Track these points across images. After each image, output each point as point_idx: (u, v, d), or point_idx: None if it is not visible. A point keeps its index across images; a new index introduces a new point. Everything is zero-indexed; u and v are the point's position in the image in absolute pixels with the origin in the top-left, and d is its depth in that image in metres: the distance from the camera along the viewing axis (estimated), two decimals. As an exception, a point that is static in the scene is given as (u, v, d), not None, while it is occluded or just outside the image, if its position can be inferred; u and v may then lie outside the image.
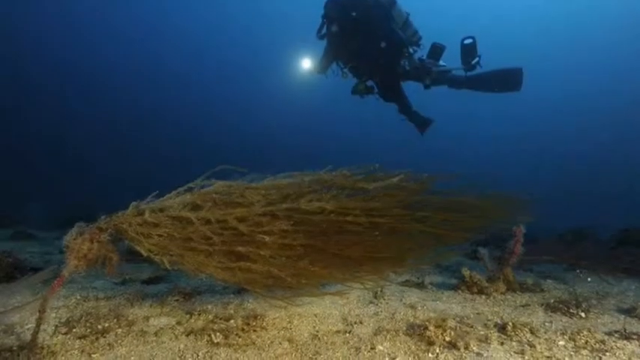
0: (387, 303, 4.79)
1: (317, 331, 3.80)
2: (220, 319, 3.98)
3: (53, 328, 3.70)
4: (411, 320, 4.13)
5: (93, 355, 3.24)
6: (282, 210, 3.62)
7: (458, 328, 3.85)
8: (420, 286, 5.78)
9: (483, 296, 5.26)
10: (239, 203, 3.67)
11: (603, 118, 60.02)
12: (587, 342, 3.58)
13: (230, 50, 69.49)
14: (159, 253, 3.59)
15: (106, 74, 61.34)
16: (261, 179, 3.77)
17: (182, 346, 3.44)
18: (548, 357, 3.29)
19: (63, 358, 3.20)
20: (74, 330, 3.65)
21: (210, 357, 3.24)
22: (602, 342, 3.59)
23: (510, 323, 3.89)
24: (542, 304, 4.84)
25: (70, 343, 3.45)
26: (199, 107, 68.23)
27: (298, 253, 3.69)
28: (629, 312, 4.60)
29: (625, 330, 3.85)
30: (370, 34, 9.89)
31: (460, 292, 5.44)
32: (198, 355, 3.27)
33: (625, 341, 3.64)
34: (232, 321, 3.91)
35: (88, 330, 3.66)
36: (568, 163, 56.68)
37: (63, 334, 3.60)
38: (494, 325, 4.02)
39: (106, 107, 60.52)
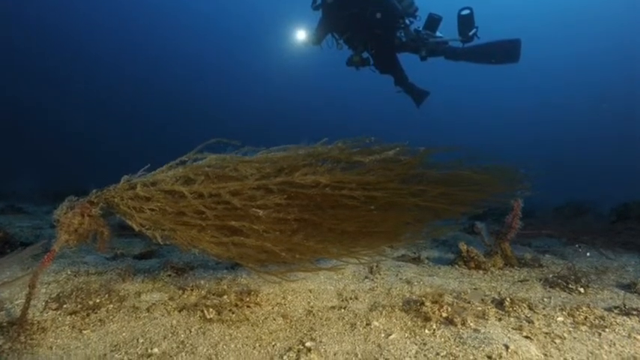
0: (383, 278, 4.74)
1: (312, 307, 3.75)
2: (213, 294, 3.93)
3: (43, 303, 3.63)
4: (407, 296, 4.08)
5: (84, 332, 3.18)
6: (276, 184, 3.54)
7: (455, 303, 3.80)
8: (417, 261, 5.73)
9: (481, 271, 5.21)
10: (232, 177, 3.59)
11: (603, 89, 59.98)
12: (586, 318, 3.53)
13: (225, 22, 69.06)
14: (151, 228, 3.52)
15: (99, 46, 60.96)
16: (255, 152, 3.70)
17: (174, 322, 3.38)
18: (546, 333, 3.23)
19: (53, 334, 3.14)
20: (65, 306, 3.59)
21: (203, 333, 3.19)
22: (602, 318, 3.54)
23: (508, 299, 3.85)
24: (540, 280, 4.80)
25: (60, 319, 3.39)
26: (194, 81, 67.98)
27: (292, 227, 3.63)
28: (628, 287, 4.56)
29: (625, 306, 3.80)
30: (366, 5, 9.79)
31: (457, 267, 5.40)
32: (190, 331, 3.21)
33: (625, 317, 3.59)
34: (225, 297, 3.85)
35: (79, 306, 3.60)
36: (567, 136, 56.78)
37: (53, 309, 3.54)
38: (492, 301, 3.97)
39: (99, 80, 60.26)
